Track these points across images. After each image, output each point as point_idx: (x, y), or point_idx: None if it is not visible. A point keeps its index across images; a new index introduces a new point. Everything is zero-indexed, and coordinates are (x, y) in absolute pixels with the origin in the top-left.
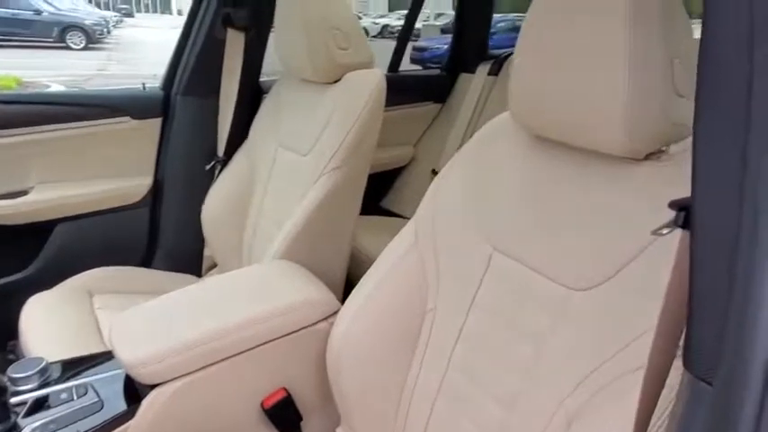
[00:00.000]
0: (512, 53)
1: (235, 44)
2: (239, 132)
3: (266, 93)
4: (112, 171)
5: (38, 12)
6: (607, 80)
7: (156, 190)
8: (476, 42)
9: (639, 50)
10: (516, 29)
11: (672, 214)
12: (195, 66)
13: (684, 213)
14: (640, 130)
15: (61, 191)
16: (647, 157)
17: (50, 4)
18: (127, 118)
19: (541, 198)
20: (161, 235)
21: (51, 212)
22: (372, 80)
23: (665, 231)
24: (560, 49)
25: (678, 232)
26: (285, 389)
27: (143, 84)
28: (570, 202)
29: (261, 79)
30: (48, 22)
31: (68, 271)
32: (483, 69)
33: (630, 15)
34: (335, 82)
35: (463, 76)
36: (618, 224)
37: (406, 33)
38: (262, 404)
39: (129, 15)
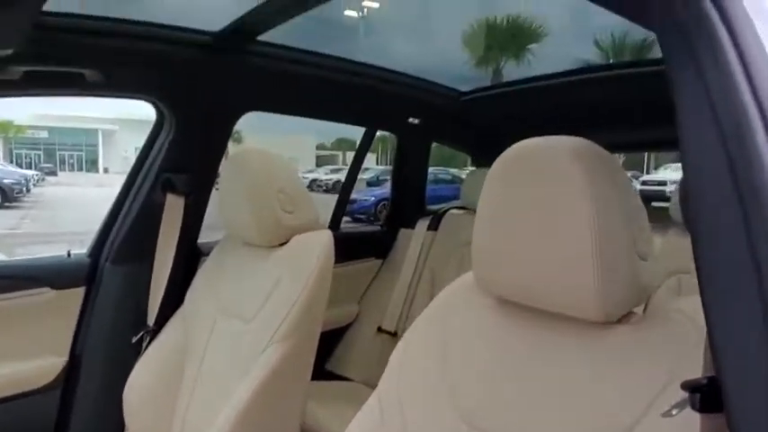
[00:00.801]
0: (450, 209)
1: (173, 208)
2: (173, 298)
3: (205, 255)
4: (20, 350)
5: None
6: (574, 247)
7: (71, 369)
8: (414, 198)
9: (602, 217)
10: (437, 181)
11: (661, 384)
12: (129, 231)
13: (699, 396)
14: (612, 294)
15: None
16: (619, 320)
17: None
18: (46, 289)
19: (514, 368)
20: (72, 421)
21: None
22: (320, 242)
23: (674, 412)
24: (522, 214)
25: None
26: None
27: (68, 251)
28: (545, 372)
29: (199, 241)
30: None
31: None
32: (422, 224)
33: (587, 183)
34: (281, 245)
35: (403, 232)
36: (600, 395)
37: (348, 190)
38: None
39: (53, 174)
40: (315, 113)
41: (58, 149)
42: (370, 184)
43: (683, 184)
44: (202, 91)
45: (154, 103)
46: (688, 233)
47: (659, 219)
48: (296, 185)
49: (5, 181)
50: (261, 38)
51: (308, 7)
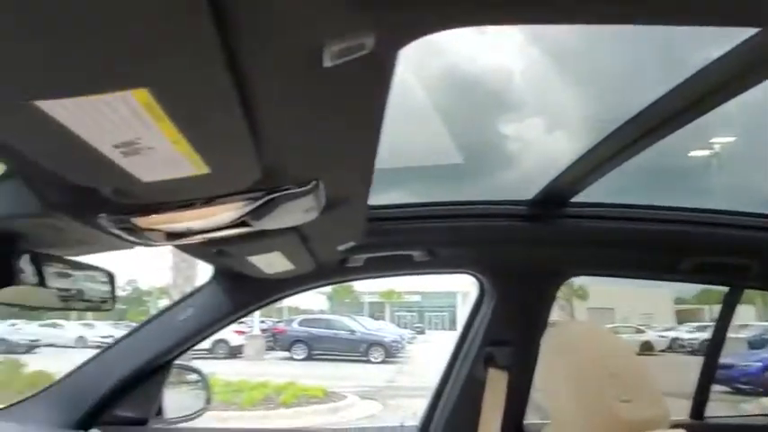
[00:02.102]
0: None
1: (496, 384)
2: None
3: None
4: None
5: (352, 331)
6: None
7: None
8: None
9: None
10: None
11: None
12: (454, 406)
13: None
14: None
15: None
16: None
17: (362, 324)
18: None
19: None
20: None
21: None
22: None
23: None
24: None
25: None
26: None
27: (401, 423)
28: None
29: (525, 421)
30: (357, 340)
31: None
32: None
33: None
34: None
35: None
36: None
37: (713, 361)
38: None
39: (422, 332)
40: (653, 275)
41: (427, 311)
42: (753, 345)
43: None
44: (520, 261)
45: (474, 276)
46: None
47: None
48: (634, 368)
49: (386, 339)
50: (577, 198)
51: (620, 162)
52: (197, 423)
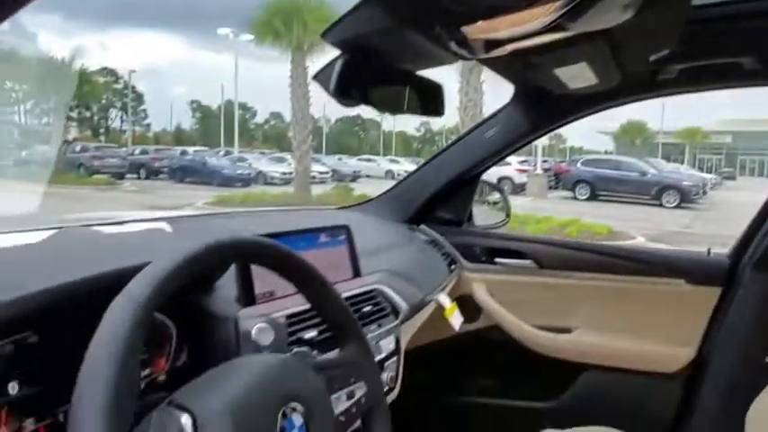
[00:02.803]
0: None
1: None
2: None
3: None
4: (654, 332)
5: (643, 173)
6: None
7: (697, 366)
8: None
9: None
10: None
11: None
12: None
13: None
14: None
15: (599, 339)
16: None
17: (654, 166)
18: (681, 281)
19: None
20: (694, 418)
21: (584, 356)
22: None
23: None
24: None
25: None
26: None
27: (708, 249)
28: None
29: None
30: (648, 182)
31: (588, 414)
32: None
33: None
34: None
35: None
36: None
37: None
38: None
39: (731, 178)
40: None
41: (740, 154)
42: None
43: None
44: None
45: None
46: None
47: None
48: None
49: (684, 183)
50: None
51: None
52: (498, 230)
